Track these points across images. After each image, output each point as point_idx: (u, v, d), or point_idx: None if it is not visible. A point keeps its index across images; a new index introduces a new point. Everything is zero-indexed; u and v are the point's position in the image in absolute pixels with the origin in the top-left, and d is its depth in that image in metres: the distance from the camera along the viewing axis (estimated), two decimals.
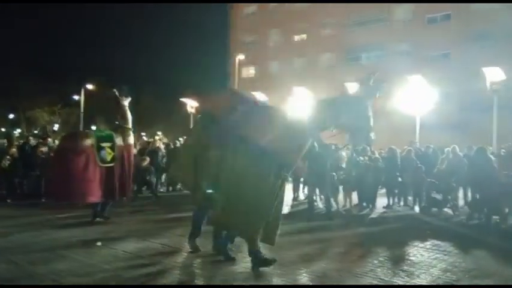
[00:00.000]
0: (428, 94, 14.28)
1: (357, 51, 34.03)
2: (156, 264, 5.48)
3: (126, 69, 46.84)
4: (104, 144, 7.81)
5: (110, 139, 7.94)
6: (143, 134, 34.81)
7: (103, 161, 7.74)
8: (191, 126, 5.99)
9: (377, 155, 11.28)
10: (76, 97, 39.58)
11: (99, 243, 6.41)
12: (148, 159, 11.90)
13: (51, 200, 8.91)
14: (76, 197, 7.66)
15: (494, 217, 8.72)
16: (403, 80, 15.73)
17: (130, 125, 8.32)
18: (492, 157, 10.24)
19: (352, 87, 17.21)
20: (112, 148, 7.87)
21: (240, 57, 33.78)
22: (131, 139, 8.40)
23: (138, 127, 8.72)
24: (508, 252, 6.54)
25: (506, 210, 8.74)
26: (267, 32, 38.47)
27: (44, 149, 12.06)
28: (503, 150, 10.99)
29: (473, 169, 9.44)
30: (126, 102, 8.30)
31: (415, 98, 14.36)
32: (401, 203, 10.96)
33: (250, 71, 39.84)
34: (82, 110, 36.88)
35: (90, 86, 36.77)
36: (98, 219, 8.04)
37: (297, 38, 37.60)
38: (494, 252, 6.46)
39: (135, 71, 51.07)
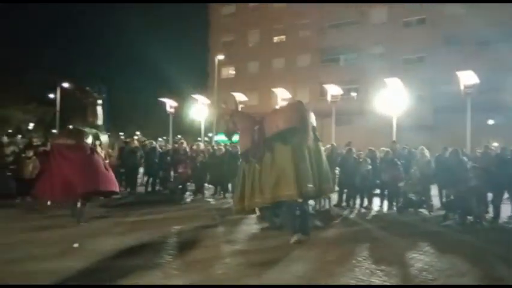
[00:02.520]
0: (403, 96, 14.51)
1: (334, 52, 34.44)
2: (134, 263, 5.41)
3: (103, 69, 46.09)
4: (97, 142, 8.28)
5: (97, 138, 8.37)
6: (121, 133, 34.32)
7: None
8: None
9: (366, 158, 11.27)
10: (52, 96, 38.65)
11: (75, 245, 6.31)
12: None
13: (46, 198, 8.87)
14: (93, 186, 7.81)
15: (468, 217, 8.96)
16: (379, 81, 15.99)
17: (100, 123, 8.67)
18: (465, 159, 10.52)
19: (330, 89, 17.41)
20: (100, 146, 8.34)
21: (220, 57, 33.66)
22: (104, 138, 8.71)
23: (114, 127, 9.01)
24: (480, 252, 6.74)
25: (479, 211, 8.98)
26: (246, 32, 38.46)
27: (13, 148, 11.63)
28: (479, 152, 11.28)
29: (447, 170, 9.67)
30: (100, 101, 8.49)
31: (391, 100, 14.57)
32: (380, 204, 11.09)
33: (229, 71, 39.77)
34: (58, 108, 36.03)
35: (66, 85, 35.91)
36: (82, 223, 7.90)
37: (276, 39, 37.75)
38: (468, 252, 6.63)
39: (112, 70, 50.29)
